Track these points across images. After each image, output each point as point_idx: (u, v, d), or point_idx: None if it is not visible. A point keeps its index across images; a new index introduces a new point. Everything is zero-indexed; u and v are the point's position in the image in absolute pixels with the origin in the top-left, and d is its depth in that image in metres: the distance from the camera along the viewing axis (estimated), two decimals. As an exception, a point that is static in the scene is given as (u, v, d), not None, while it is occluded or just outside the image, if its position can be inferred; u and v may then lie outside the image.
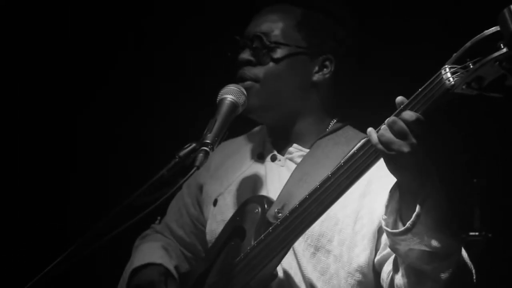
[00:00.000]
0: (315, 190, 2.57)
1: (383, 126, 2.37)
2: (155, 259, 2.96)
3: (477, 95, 2.29)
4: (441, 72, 2.31)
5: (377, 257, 2.71)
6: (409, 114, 2.32)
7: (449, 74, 2.29)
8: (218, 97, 2.70)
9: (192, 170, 2.48)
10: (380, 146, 2.36)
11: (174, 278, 2.94)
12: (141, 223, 2.47)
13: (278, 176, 2.87)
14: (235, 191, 2.92)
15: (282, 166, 2.89)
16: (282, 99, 2.87)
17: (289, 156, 2.90)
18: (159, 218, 3.15)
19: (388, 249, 2.62)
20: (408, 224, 2.39)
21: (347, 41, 2.92)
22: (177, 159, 2.52)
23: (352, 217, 2.75)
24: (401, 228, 2.41)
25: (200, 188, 3.06)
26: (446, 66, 2.31)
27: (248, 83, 2.83)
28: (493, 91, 2.28)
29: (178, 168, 2.52)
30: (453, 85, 2.29)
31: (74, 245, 2.37)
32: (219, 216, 2.92)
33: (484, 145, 3.66)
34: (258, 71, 2.84)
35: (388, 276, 2.62)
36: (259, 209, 2.76)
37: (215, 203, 2.96)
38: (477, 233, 3.63)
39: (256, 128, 3.09)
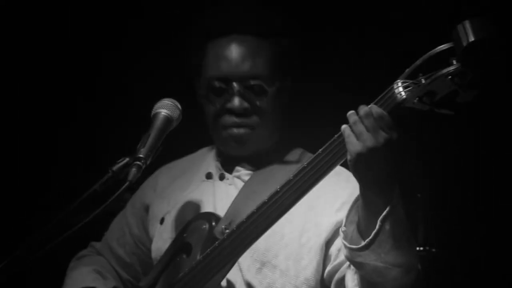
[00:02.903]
0: (263, 204, 2.57)
1: (354, 120, 2.36)
2: (88, 283, 2.91)
3: (429, 111, 2.30)
4: (393, 86, 2.33)
5: (328, 268, 2.71)
6: (377, 110, 2.33)
7: (401, 88, 2.31)
8: (153, 111, 2.67)
9: (125, 185, 2.46)
10: (354, 139, 2.35)
11: None
12: (75, 239, 2.45)
13: (226, 194, 2.87)
14: (183, 209, 2.90)
15: (230, 185, 2.89)
16: (272, 139, 2.90)
17: (237, 174, 2.90)
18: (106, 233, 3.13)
19: (339, 260, 2.66)
20: (366, 241, 2.40)
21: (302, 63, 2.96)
22: (110, 174, 2.49)
23: (297, 230, 2.75)
24: (359, 245, 2.42)
25: (146, 209, 3.03)
26: (399, 80, 2.33)
27: (248, 131, 2.84)
28: (445, 107, 2.29)
29: (111, 183, 2.49)
30: (404, 99, 2.31)
31: (5, 261, 2.34)
32: (165, 234, 2.90)
33: (426, 159, 3.68)
34: (257, 118, 2.84)
35: (340, 285, 2.64)
36: (207, 226, 2.75)
37: (162, 221, 2.94)
38: (421, 248, 3.65)
39: (204, 149, 3.09)
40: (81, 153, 4.06)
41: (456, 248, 3.66)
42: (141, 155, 2.52)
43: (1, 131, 4.04)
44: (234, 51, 2.84)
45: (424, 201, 3.68)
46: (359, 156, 2.34)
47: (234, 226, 2.64)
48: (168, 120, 2.65)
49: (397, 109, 2.32)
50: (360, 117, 2.35)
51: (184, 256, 2.75)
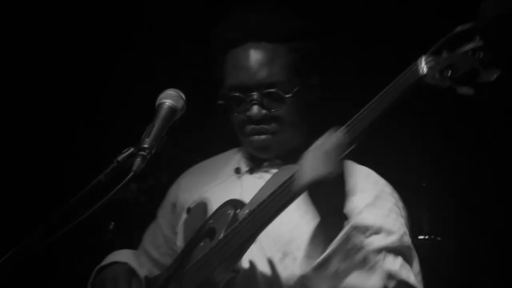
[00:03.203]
0: (285, 182, 2.58)
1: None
2: (120, 259, 2.97)
3: (449, 88, 2.29)
4: (416, 62, 2.35)
5: None
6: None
7: (423, 63, 2.33)
8: (157, 102, 2.67)
9: (130, 175, 2.45)
10: None
11: (140, 279, 2.93)
12: (79, 231, 2.45)
13: (254, 187, 2.85)
14: (209, 199, 2.93)
15: (259, 179, 2.91)
16: (296, 140, 2.89)
17: (266, 168, 2.93)
18: (112, 223, 3.13)
19: None
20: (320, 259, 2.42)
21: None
22: (114, 164, 2.48)
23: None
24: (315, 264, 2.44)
25: (173, 208, 3.07)
26: (423, 56, 2.35)
27: (268, 137, 2.86)
28: (466, 84, 2.28)
29: (116, 173, 2.49)
30: (426, 73, 2.32)
31: (8, 253, 2.34)
32: (192, 222, 2.92)
33: (433, 148, 3.69)
34: (276, 125, 2.85)
35: None
36: (232, 211, 2.76)
37: (188, 211, 2.97)
38: (426, 237, 3.65)
39: (231, 150, 3.11)
40: (81, 151, 4.08)
41: (460, 237, 3.67)
42: (145, 145, 2.51)
43: (1, 131, 4.05)
44: (250, 59, 2.85)
45: (429, 190, 3.69)
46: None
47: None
48: (172, 110, 2.65)
49: (419, 82, 2.33)
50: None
51: (208, 240, 2.78)
